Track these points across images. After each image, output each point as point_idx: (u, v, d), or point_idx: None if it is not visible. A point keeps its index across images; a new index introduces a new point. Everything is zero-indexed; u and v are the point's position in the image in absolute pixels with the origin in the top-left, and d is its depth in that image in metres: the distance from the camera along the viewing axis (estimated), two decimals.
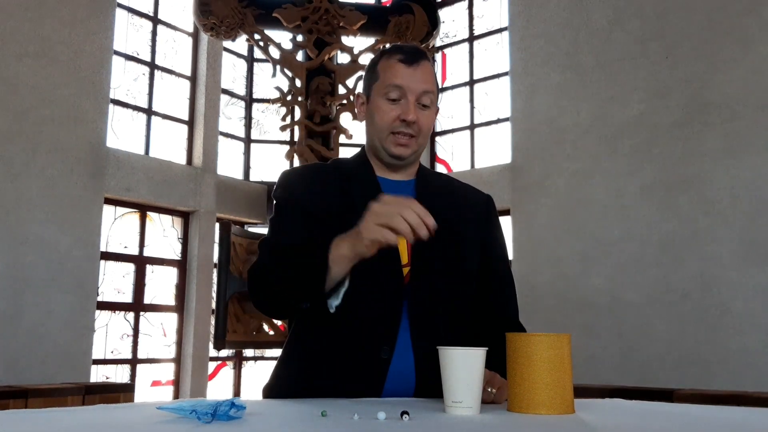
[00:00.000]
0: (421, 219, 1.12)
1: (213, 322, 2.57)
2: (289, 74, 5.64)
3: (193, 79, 6.27)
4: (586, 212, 5.18)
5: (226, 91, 6.56)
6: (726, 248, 4.52)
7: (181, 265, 5.92)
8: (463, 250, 1.41)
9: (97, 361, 5.21)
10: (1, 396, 3.97)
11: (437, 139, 6.63)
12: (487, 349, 1.04)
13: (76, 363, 4.90)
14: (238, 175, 6.60)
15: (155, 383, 5.70)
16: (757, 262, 4.39)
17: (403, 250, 1.34)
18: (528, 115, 5.67)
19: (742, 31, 4.67)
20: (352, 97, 5.63)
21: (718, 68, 4.73)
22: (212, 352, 5.89)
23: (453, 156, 6.56)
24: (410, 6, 5.84)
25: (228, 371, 6.26)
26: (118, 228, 5.58)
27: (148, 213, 5.77)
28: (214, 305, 2.68)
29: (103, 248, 5.30)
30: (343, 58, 5.97)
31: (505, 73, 6.06)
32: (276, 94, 5.69)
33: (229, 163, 6.53)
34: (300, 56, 5.72)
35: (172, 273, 5.89)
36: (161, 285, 5.80)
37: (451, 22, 6.76)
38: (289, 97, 5.62)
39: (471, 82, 6.51)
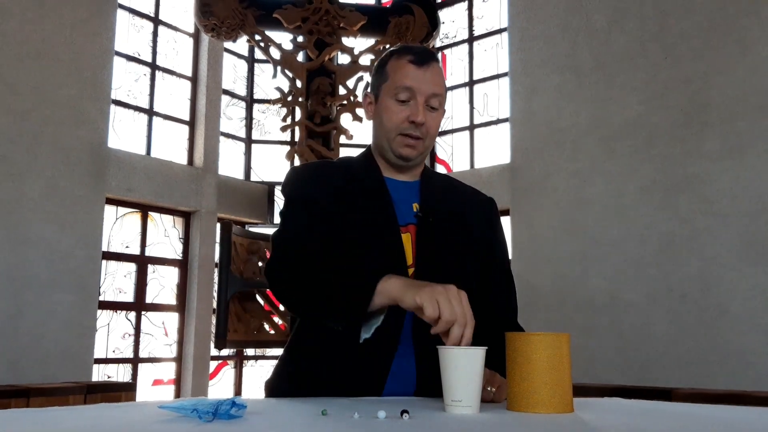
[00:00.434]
0: (463, 332, 1.08)
1: (214, 321, 2.57)
2: (290, 75, 5.64)
3: (194, 79, 6.28)
4: (585, 212, 5.18)
5: (226, 92, 6.56)
6: (725, 248, 4.52)
7: (183, 264, 5.93)
8: (467, 251, 1.42)
9: (98, 361, 5.22)
10: (2, 395, 3.97)
11: (437, 139, 6.62)
12: (486, 348, 1.05)
13: (77, 362, 4.91)
14: (239, 175, 6.60)
15: (157, 382, 5.71)
16: (756, 262, 4.40)
17: (408, 251, 1.35)
18: (527, 115, 5.67)
19: (741, 31, 4.67)
20: (352, 98, 5.64)
21: (717, 69, 4.73)
22: (213, 352, 5.90)
23: (453, 156, 6.56)
24: (410, 7, 5.84)
25: (229, 370, 6.27)
26: (119, 228, 5.59)
27: (150, 213, 5.78)
28: (215, 305, 2.68)
29: (104, 248, 5.31)
30: (343, 59, 5.97)
31: (505, 74, 6.06)
32: (276, 95, 5.69)
33: (230, 163, 6.54)
34: (300, 57, 5.73)
35: (173, 273, 5.90)
36: (163, 285, 5.82)
37: (451, 22, 6.76)
38: (289, 98, 5.62)
39: (471, 83, 6.52)
